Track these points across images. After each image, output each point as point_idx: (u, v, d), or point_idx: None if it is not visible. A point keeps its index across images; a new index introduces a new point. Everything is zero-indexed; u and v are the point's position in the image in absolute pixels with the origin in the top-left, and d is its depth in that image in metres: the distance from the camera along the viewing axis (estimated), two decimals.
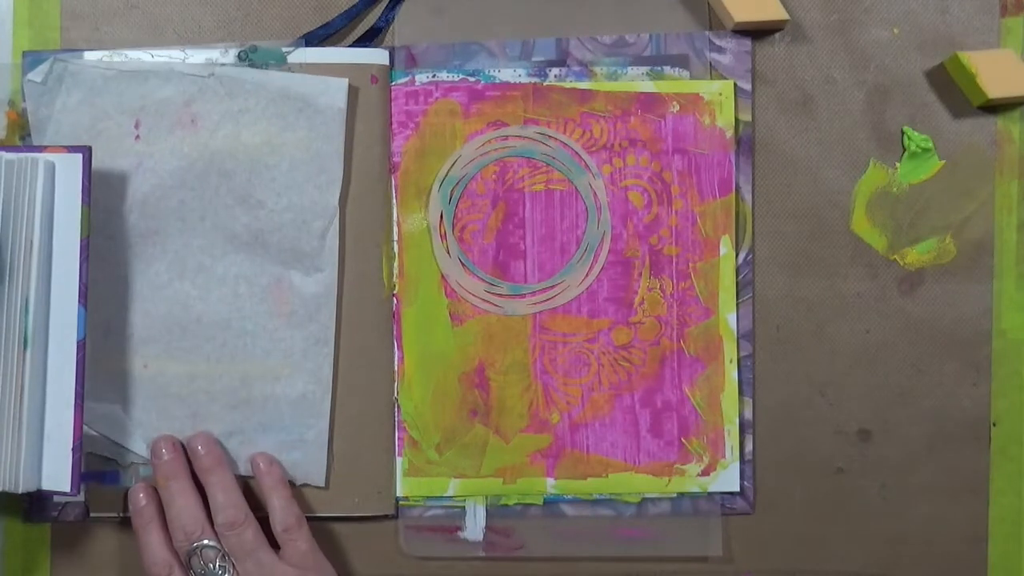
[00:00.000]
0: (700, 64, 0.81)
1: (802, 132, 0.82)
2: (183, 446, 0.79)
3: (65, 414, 0.73)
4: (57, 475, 0.74)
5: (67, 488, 0.73)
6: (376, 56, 0.80)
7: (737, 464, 0.81)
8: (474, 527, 0.81)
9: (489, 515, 0.81)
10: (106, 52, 0.80)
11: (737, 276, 0.81)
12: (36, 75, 0.79)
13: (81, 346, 0.74)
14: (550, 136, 0.81)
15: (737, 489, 0.81)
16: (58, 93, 0.79)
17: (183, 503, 0.76)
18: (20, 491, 0.73)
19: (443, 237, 0.81)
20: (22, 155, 0.74)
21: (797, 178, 0.82)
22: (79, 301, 0.74)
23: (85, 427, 0.76)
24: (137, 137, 0.79)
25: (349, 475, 0.80)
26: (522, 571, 0.82)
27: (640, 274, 0.81)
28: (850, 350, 0.82)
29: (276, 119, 0.79)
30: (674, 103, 0.81)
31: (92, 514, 0.80)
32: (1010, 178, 0.82)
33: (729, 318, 0.81)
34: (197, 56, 0.80)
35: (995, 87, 0.80)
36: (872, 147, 0.82)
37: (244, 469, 0.80)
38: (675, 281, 0.81)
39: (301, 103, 0.79)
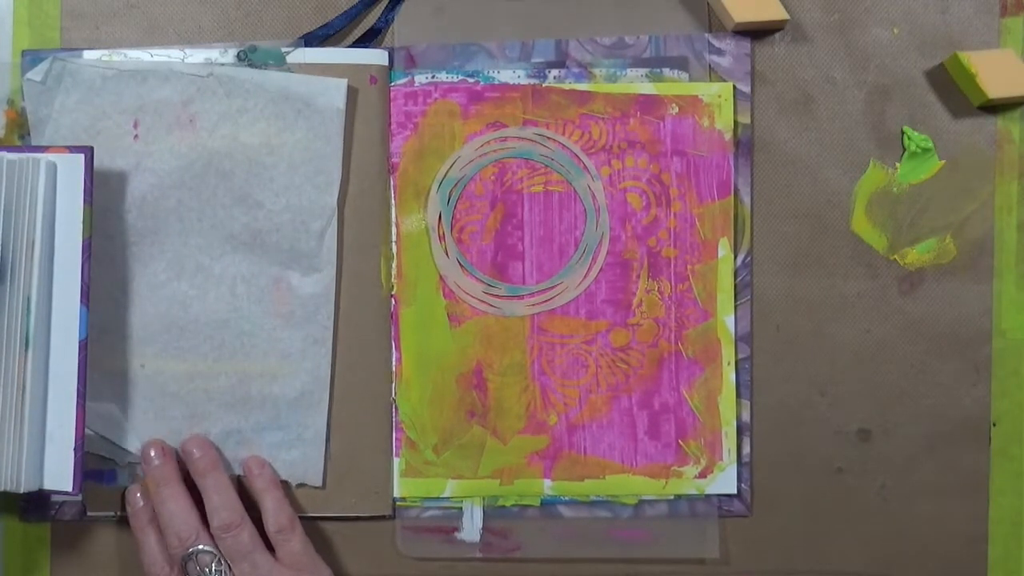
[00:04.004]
0: (699, 66, 0.81)
1: (802, 132, 0.82)
2: (175, 451, 0.79)
3: (67, 414, 0.74)
4: (59, 475, 0.74)
5: (69, 488, 0.74)
6: (375, 57, 0.80)
7: (734, 466, 0.81)
8: (471, 528, 0.81)
9: (486, 516, 0.81)
10: (105, 52, 0.80)
11: (735, 278, 0.81)
12: (35, 74, 0.79)
13: (83, 346, 0.74)
14: (549, 137, 0.81)
15: (734, 491, 0.81)
16: (57, 92, 0.79)
17: (175, 508, 0.76)
18: (22, 491, 0.73)
19: (441, 238, 0.81)
20: (24, 155, 0.74)
21: (797, 178, 0.82)
22: (81, 301, 0.74)
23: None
24: (136, 137, 0.79)
25: (346, 475, 0.80)
26: (519, 572, 0.82)
27: (638, 276, 0.81)
28: (850, 350, 0.82)
29: (275, 119, 0.79)
30: (673, 105, 0.81)
31: (89, 513, 0.80)
32: (1010, 178, 0.82)
33: (727, 320, 0.81)
34: (196, 56, 0.80)
35: (995, 87, 0.80)
36: (872, 147, 0.82)
37: (240, 469, 0.80)
38: (673, 283, 0.81)
39: (300, 103, 0.79)
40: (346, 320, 0.80)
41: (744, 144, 0.81)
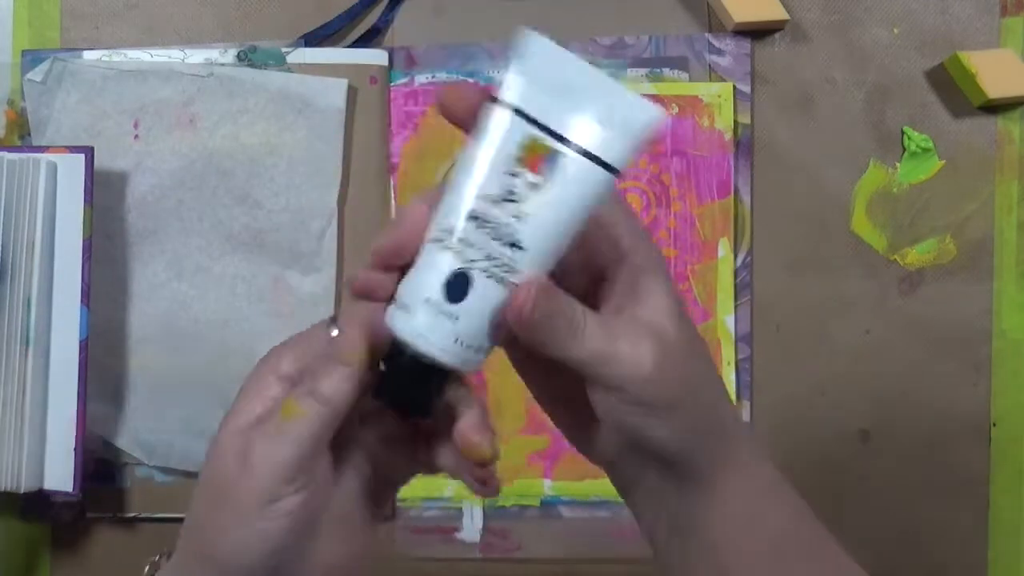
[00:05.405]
0: (699, 66, 0.81)
1: (802, 132, 0.82)
2: None
3: (67, 414, 0.74)
4: (59, 475, 0.74)
5: (70, 488, 0.74)
6: (375, 57, 0.80)
7: None
8: (471, 528, 0.81)
9: (486, 516, 0.81)
10: (106, 52, 0.80)
11: (735, 278, 0.81)
12: (36, 75, 0.79)
13: (83, 346, 0.74)
14: None
15: None
16: (57, 92, 0.79)
17: None
18: (22, 491, 0.73)
19: None
20: (24, 155, 0.74)
21: (797, 178, 0.82)
22: (81, 301, 0.74)
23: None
24: (136, 137, 0.79)
25: None
26: (519, 572, 0.82)
27: None
28: (850, 350, 0.82)
29: (275, 119, 0.79)
30: (673, 105, 0.80)
31: (89, 513, 0.80)
32: (1010, 178, 0.82)
33: (727, 320, 0.81)
34: (196, 56, 0.80)
35: (995, 87, 0.80)
36: (872, 147, 0.82)
37: None
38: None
39: (300, 103, 0.79)
40: None
41: (744, 144, 0.81)
